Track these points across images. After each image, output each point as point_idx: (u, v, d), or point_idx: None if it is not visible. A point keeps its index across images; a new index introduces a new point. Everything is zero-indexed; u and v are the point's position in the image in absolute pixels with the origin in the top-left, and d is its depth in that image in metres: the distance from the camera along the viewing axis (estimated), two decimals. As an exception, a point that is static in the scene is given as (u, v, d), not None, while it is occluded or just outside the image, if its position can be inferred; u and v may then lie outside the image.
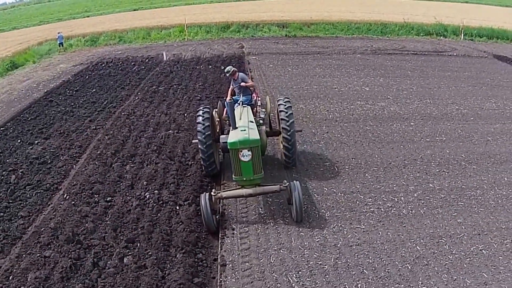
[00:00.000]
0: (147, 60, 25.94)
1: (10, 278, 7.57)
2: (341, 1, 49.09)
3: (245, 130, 8.92)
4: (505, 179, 10.82)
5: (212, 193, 8.56)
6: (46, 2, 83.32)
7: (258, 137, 8.82)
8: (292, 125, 10.18)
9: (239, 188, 8.81)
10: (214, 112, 10.93)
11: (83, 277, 7.46)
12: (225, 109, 11.11)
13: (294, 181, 8.64)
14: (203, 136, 9.84)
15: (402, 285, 7.12)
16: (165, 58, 25.60)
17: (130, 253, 8.02)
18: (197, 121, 10.20)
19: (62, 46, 33.01)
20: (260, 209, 9.36)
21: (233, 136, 8.75)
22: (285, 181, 8.68)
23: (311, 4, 45.42)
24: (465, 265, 7.61)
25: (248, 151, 8.47)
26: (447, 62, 24.58)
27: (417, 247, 8.10)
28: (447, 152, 12.21)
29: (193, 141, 11.18)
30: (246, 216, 9.18)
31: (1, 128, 15.55)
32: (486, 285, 7.15)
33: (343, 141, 12.77)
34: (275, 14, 38.51)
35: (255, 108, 11.17)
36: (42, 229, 8.91)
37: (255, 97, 11.53)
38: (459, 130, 13.92)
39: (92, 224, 8.95)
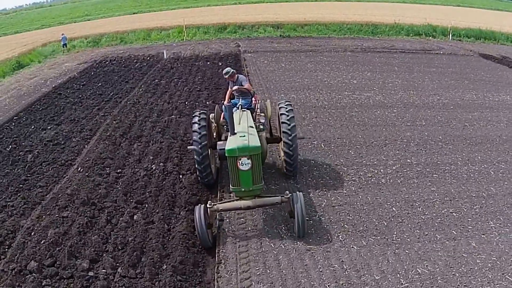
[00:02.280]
0: (148, 58, 27.16)
1: (32, 234, 8.51)
2: (334, 3, 50.52)
3: (244, 136, 8.20)
4: (479, 157, 11.84)
5: (207, 205, 7.95)
6: (47, 7, 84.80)
7: (258, 144, 8.09)
8: (295, 136, 9.54)
9: (237, 200, 8.21)
10: (211, 116, 10.45)
11: (98, 231, 8.49)
12: (222, 114, 10.54)
13: (297, 192, 8.20)
14: (199, 146, 9.25)
15: (378, 237, 8.17)
16: (165, 56, 26.81)
17: (139, 212, 9.12)
18: (192, 129, 9.54)
19: (66, 47, 34.12)
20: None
21: (231, 143, 8.02)
22: (287, 192, 8.14)
23: (305, 7, 46.86)
24: (436, 224, 8.61)
25: (248, 159, 7.80)
26: (433, 60, 25.75)
27: (393, 208, 9.15)
28: (425, 134, 13.29)
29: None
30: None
31: (15, 117, 16.61)
32: (455, 240, 8.11)
33: (330, 124, 13.92)
34: (270, 16, 39.89)
35: (255, 113, 10.51)
36: (60, 195, 9.93)
37: (254, 101, 10.82)
38: (438, 116, 14.99)
39: (105, 190, 10.06)
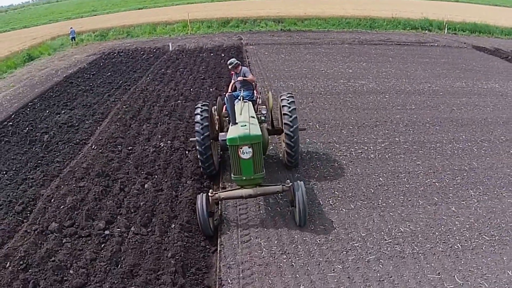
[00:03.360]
0: (154, 50, 28.24)
1: (52, 201, 9.46)
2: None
3: (245, 125, 8.33)
4: (463, 136, 12.72)
5: (209, 194, 8.10)
6: (54, 2, 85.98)
7: (259, 132, 8.17)
8: (296, 123, 9.64)
9: (239, 189, 8.31)
10: (213, 109, 10.61)
11: (112, 197, 9.46)
12: (224, 106, 10.72)
13: (298, 181, 8.29)
14: (201, 137, 9.40)
15: (365, 202, 9.12)
16: (171, 48, 27.78)
17: (149, 181, 10.11)
18: (195, 120, 9.68)
19: (74, 40, 35.07)
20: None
21: (232, 132, 8.16)
22: (288, 181, 8.25)
23: (305, 2, 47.77)
24: (419, 192, 9.53)
25: (249, 148, 7.90)
26: (427, 51, 26.60)
27: (380, 178, 10.10)
28: (414, 117, 14.18)
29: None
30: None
31: (29, 103, 17.60)
32: (435, 205, 9.01)
33: (325, 108, 14.88)
34: (271, 10, 40.94)
35: (256, 105, 10.73)
36: (76, 169, 10.90)
37: (256, 94, 11.08)
38: (428, 101, 15.86)
39: (118, 164, 11.06)
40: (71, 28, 35.67)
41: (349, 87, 17.48)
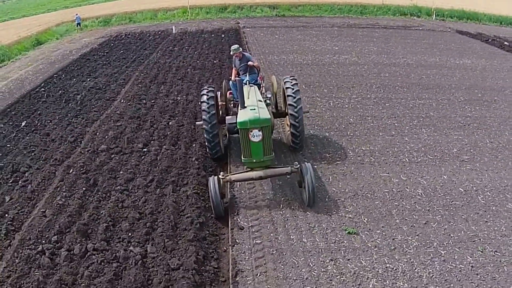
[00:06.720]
0: (159, 32, 30.73)
1: (97, 134, 12.28)
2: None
3: (255, 109, 8.55)
4: (426, 95, 15.29)
5: (220, 176, 8.27)
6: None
7: (268, 116, 8.49)
8: (300, 103, 9.90)
9: (249, 171, 8.47)
10: (218, 94, 10.78)
11: (145, 131, 12.32)
12: (229, 91, 11.26)
13: (306, 162, 8.53)
14: (208, 116, 9.61)
15: (338, 133, 11.90)
16: (174, 31, 30.29)
17: (173, 120, 12.98)
18: (201, 101, 9.95)
19: (80, 26, 36.99)
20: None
21: (242, 116, 8.38)
22: (296, 162, 8.45)
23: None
24: (380, 128, 12.30)
25: (259, 131, 8.13)
26: (411, 34, 29.04)
27: (350, 119, 12.92)
28: (386, 81, 16.89)
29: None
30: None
31: (55, 75, 20.02)
32: (392, 136, 11.71)
33: (311, 74, 17.73)
34: (267, -2, 43.12)
35: (261, 89, 10.96)
36: (112, 114, 13.72)
37: (260, 79, 11.41)
38: (401, 71, 18.53)
39: (145, 111, 13.92)
40: (76, 14, 37.62)
41: (333, 60, 20.27)
